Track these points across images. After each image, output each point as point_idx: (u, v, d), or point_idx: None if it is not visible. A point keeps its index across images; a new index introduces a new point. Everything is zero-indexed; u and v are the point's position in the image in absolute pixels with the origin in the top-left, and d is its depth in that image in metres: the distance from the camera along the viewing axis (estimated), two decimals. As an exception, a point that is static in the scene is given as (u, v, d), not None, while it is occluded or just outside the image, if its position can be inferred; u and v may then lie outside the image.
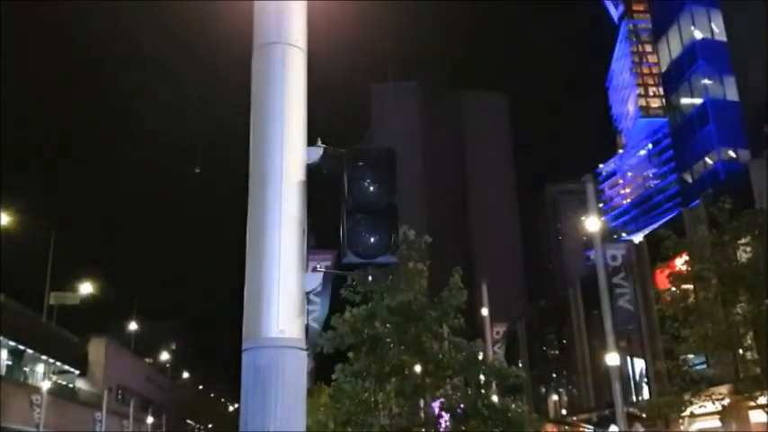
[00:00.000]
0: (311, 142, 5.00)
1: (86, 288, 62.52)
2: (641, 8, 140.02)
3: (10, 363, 54.02)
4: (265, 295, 4.43)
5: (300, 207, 4.71)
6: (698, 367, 25.26)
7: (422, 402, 19.06)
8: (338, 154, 4.97)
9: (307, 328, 15.00)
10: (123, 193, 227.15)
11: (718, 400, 22.86)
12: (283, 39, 4.97)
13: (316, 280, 4.70)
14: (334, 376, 18.13)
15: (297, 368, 4.37)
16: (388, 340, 17.23)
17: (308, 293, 14.56)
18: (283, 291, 4.43)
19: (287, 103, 4.83)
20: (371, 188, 5.01)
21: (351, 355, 17.95)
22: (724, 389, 23.62)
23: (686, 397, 22.61)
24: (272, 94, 4.84)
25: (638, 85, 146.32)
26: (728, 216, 20.82)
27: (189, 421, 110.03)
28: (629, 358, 40.71)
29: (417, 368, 18.24)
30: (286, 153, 4.72)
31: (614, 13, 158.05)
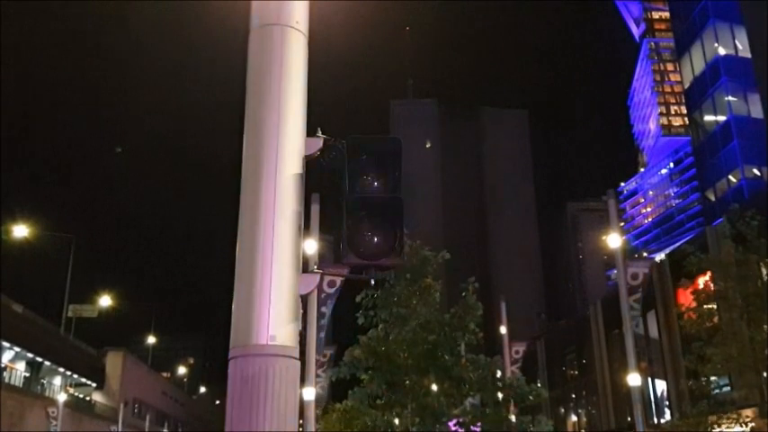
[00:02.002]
0: (311, 132, 4.61)
1: (105, 301, 62.70)
2: (663, 27, 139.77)
3: (27, 374, 54.05)
4: (256, 298, 4.02)
5: (297, 201, 4.31)
6: (724, 389, 24.54)
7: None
8: (339, 145, 4.57)
9: (317, 340, 14.59)
10: (144, 206, 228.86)
11: (744, 423, 22.12)
12: (283, 20, 4.59)
13: (312, 282, 4.29)
14: (350, 398, 17.81)
15: (288, 379, 3.94)
16: (404, 355, 16.84)
17: (320, 307, 14.18)
18: (276, 293, 4.02)
19: (285, 91, 4.44)
20: (375, 183, 4.62)
21: (364, 377, 17.58)
22: (750, 412, 22.90)
23: (711, 419, 21.92)
24: (268, 81, 4.46)
25: (660, 103, 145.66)
26: (756, 233, 20.20)
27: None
28: (650, 379, 39.87)
29: (434, 386, 17.88)
30: (282, 143, 4.32)
31: (636, 31, 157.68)
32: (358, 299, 17.87)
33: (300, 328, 4.20)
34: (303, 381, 18.19)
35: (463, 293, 18.15)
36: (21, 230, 44.17)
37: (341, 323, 20.21)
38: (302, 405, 18.68)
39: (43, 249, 54.11)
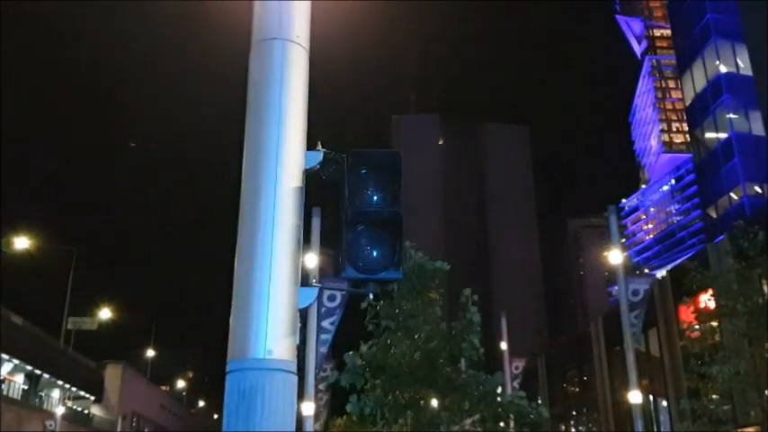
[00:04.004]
0: (312, 146, 4.61)
1: (105, 314, 62.55)
2: (664, 44, 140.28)
3: (26, 387, 53.80)
4: (253, 311, 3.99)
5: (296, 215, 4.30)
6: (725, 407, 24.36)
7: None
8: (339, 159, 4.57)
9: (318, 355, 14.54)
10: (142, 218, 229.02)
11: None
12: (284, 34, 4.61)
13: (311, 296, 4.27)
14: (348, 408, 17.66)
15: (285, 393, 3.91)
16: (404, 369, 16.78)
17: (321, 322, 14.15)
18: (273, 306, 3.99)
19: (285, 104, 4.44)
20: (375, 197, 4.62)
21: (366, 386, 17.50)
22: (752, 430, 22.75)
23: (712, 438, 21.79)
24: (269, 94, 4.47)
25: (661, 120, 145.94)
26: (759, 249, 20.14)
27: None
28: (651, 396, 39.68)
29: (434, 401, 17.78)
30: (283, 157, 4.32)
31: (637, 48, 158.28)
32: (363, 305, 17.80)
33: (299, 342, 4.17)
34: (302, 396, 18.09)
35: (464, 309, 18.09)
36: (22, 242, 44.19)
37: (343, 338, 20.08)
38: (301, 420, 18.57)
39: (44, 261, 54.07)
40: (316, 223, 19.55)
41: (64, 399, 59.77)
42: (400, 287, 17.24)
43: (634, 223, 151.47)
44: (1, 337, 44.77)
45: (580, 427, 54.94)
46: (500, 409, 18.23)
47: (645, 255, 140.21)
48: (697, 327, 22.14)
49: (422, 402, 17.19)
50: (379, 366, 16.90)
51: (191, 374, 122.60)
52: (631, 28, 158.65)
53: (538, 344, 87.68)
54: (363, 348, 17.56)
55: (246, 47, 4.71)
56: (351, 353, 17.71)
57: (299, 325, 4.25)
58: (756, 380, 20.11)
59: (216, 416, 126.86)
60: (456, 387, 17.22)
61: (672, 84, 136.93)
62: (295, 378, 4.04)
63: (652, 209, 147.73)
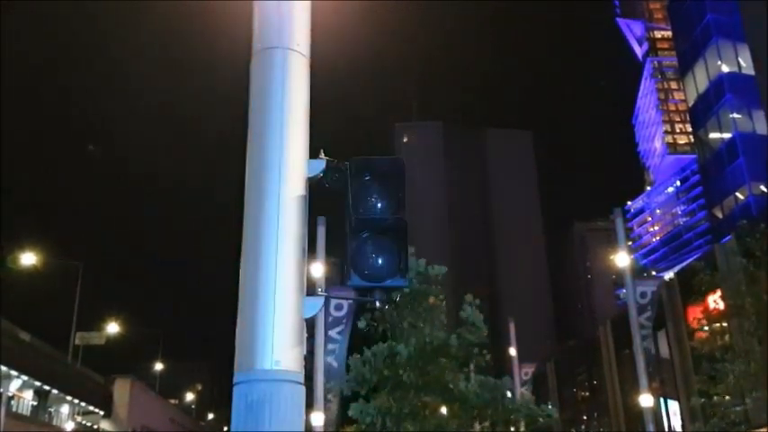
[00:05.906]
0: (314, 155, 4.60)
1: (112, 328, 62.53)
2: (665, 46, 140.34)
3: (35, 403, 53.78)
4: (259, 322, 3.96)
5: (300, 224, 4.28)
6: (736, 408, 24.21)
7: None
8: (342, 167, 4.55)
9: (327, 366, 14.51)
10: (148, 232, 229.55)
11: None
12: (284, 43, 4.59)
13: (316, 305, 4.24)
14: (350, 413, 17.60)
15: (293, 404, 3.88)
16: (408, 382, 16.72)
17: (328, 331, 14.12)
18: (279, 317, 3.96)
19: (287, 113, 4.43)
20: (379, 204, 4.59)
21: (371, 394, 17.48)
22: (765, 430, 22.62)
23: (725, 440, 21.66)
24: (271, 103, 4.45)
25: (665, 122, 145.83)
26: (766, 248, 20.09)
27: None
28: (662, 399, 39.48)
29: (443, 409, 17.75)
30: (285, 165, 4.31)
31: (638, 50, 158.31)
32: (360, 325, 17.77)
33: (306, 352, 4.15)
34: (311, 406, 18.04)
35: (466, 315, 18.05)
36: (28, 258, 44.24)
37: (354, 347, 20.04)
38: (310, 430, 18.52)
39: (51, 277, 54.18)
40: (321, 232, 19.55)
41: (73, 414, 59.75)
42: (402, 294, 17.21)
43: (640, 225, 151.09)
44: (9, 354, 44.82)
45: (591, 432, 54.70)
46: (510, 414, 18.19)
47: (652, 257, 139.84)
48: (706, 327, 22.06)
49: (426, 411, 17.14)
50: (386, 366, 16.85)
51: (199, 387, 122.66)
52: (632, 30, 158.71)
53: (547, 349, 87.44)
54: (367, 354, 17.50)
55: (247, 55, 4.71)
56: (354, 356, 17.63)
57: (306, 335, 4.22)
58: (766, 379, 20.01)
59: (225, 428, 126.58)
60: (460, 394, 17.17)
61: (674, 85, 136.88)
62: (303, 389, 4.01)
63: (658, 211, 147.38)
